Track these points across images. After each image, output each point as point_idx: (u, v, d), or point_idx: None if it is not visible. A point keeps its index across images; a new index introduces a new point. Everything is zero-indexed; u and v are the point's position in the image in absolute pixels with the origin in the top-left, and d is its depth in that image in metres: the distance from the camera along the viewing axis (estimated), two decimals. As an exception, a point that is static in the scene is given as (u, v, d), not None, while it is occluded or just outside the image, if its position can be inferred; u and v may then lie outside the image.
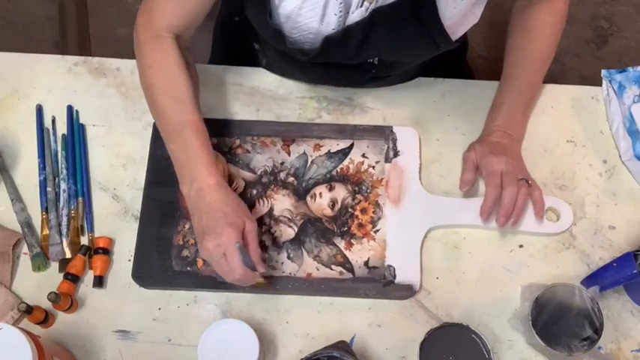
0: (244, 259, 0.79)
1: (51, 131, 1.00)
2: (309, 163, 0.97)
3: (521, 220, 0.92)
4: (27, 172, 0.97)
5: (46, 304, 0.85)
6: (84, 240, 0.92)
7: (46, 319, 0.86)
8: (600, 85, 1.05)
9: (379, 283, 0.89)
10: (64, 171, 0.96)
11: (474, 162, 0.93)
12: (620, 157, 1.00)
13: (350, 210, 0.94)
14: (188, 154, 0.84)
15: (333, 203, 0.95)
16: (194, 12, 0.89)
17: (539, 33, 0.98)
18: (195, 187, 0.83)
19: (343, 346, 0.81)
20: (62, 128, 1.00)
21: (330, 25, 0.85)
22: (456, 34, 0.88)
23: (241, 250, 0.79)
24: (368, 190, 0.95)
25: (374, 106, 1.03)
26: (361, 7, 0.84)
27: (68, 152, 0.98)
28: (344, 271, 0.90)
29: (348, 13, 0.84)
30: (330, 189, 0.95)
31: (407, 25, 0.85)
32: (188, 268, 0.90)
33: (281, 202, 0.95)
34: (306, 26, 0.86)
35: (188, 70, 0.89)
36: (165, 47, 0.88)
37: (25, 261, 0.91)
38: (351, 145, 0.98)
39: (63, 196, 0.94)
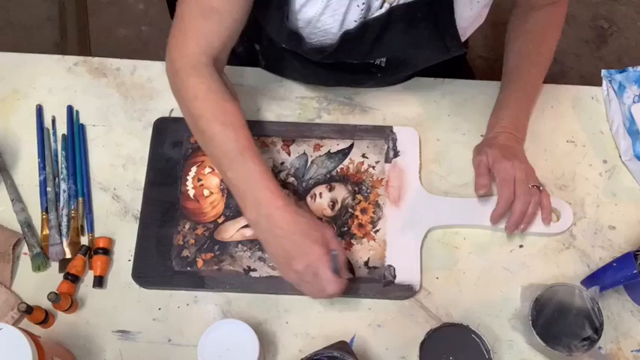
0: (335, 269, 0.79)
1: (51, 131, 1.00)
2: (309, 163, 0.97)
3: (529, 227, 0.92)
4: (27, 172, 0.97)
5: (46, 304, 0.85)
6: (84, 240, 0.92)
7: (46, 319, 0.86)
8: (600, 85, 1.05)
9: (379, 283, 0.89)
10: (64, 171, 0.96)
11: (486, 166, 0.93)
12: (620, 157, 1.00)
13: (350, 210, 0.94)
14: (248, 181, 0.82)
15: (333, 203, 0.95)
16: (232, 28, 0.85)
17: (544, 37, 1.00)
18: (263, 214, 0.81)
19: (343, 346, 0.81)
20: (62, 128, 1.00)
21: (349, 28, 0.86)
22: (464, 36, 0.89)
23: (334, 259, 0.79)
24: (368, 190, 0.95)
25: (374, 106, 1.03)
26: (381, 8, 0.84)
27: (68, 152, 0.98)
28: (344, 271, 0.90)
29: (366, 17, 0.85)
30: (330, 189, 0.95)
31: (422, 25, 0.86)
32: (188, 268, 0.90)
33: (281, 202, 0.94)
34: (325, 31, 0.86)
35: (231, 93, 0.87)
36: (206, 74, 0.84)
37: (25, 261, 0.91)
38: (351, 145, 0.98)
39: (63, 196, 0.94)
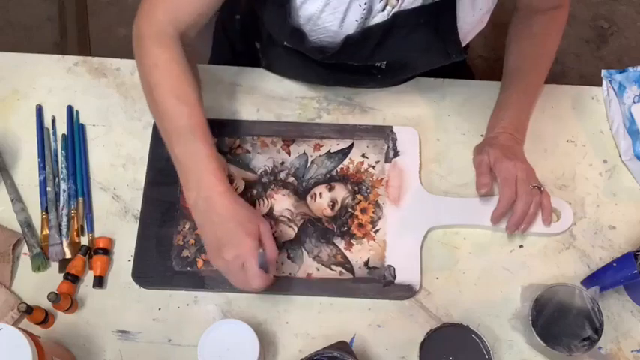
0: (262, 264, 0.79)
1: (51, 131, 1.00)
2: (309, 163, 0.97)
3: (530, 227, 0.92)
4: (27, 172, 0.97)
5: (46, 304, 0.85)
6: (84, 240, 0.92)
7: (46, 319, 0.86)
8: (600, 85, 1.05)
9: (379, 283, 0.89)
10: (64, 171, 0.96)
11: (488, 165, 0.93)
12: (620, 157, 1.00)
13: (350, 210, 0.94)
14: (194, 160, 0.81)
15: (333, 203, 0.95)
16: (204, 6, 0.85)
17: (545, 40, 1.00)
18: (203, 196, 0.80)
19: (343, 346, 0.81)
20: (62, 128, 1.00)
21: (350, 29, 0.86)
22: (465, 41, 0.90)
23: (261, 256, 0.79)
24: (368, 190, 0.95)
25: (374, 106, 1.03)
26: (383, 11, 0.84)
27: (68, 152, 0.98)
28: (344, 271, 0.90)
29: (367, 18, 0.85)
30: (330, 189, 0.95)
31: (424, 30, 0.86)
32: (188, 268, 0.90)
33: (281, 203, 0.95)
34: (325, 29, 0.86)
35: (192, 70, 0.86)
36: (170, 45, 0.84)
37: (25, 261, 0.91)
38: (351, 145, 0.98)
39: (63, 196, 0.94)
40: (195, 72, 0.89)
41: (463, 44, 0.89)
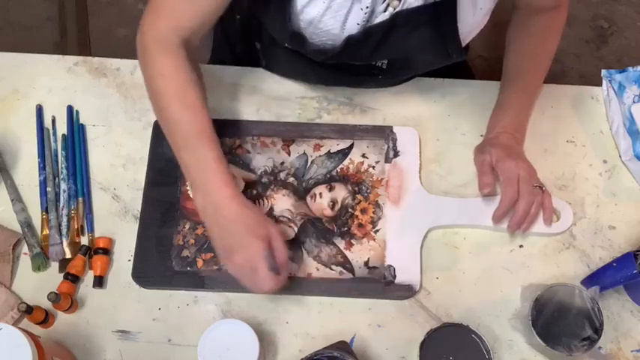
0: (271, 267, 0.79)
1: (51, 131, 1.00)
2: (309, 163, 0.97)
3: (531, 227, 0.92)
4: (27, 172, 0.97)
5: (46, 304, 0.85)
6: (84, 240, 0.92)
7: (46, 319, 0.86)
8: (600, 85, 1.05)
9: (379, 283, 0.89)
10: (64, 171, 0.96)
11: (490, 165, 0.93)
12: (620, 157, 1.00)
13: (350, 210, 0.94)
14: (201, 165, 0.82)
15: (333, 203, 0.95)
16: (206, 13, 0.85)
17: (544, 40, 1.00)
18: (211, 201, 0.81)
19: (343, 346, 0.81)
20: (62, 128, 1.00)
21: (351, 31, 0.86)
22: (465, 41, 0.90)
23: (268, 258, 0.79)
24: (368, 190, 0.95)
25: (374, 106, 1.03)
26: (384, 12, 0.84)
27: (68, 152, 0.98)
28: (344, 271, 0.90)
29: (369, 20, 0.85)
30: (330, 189, 0.95)
31: (424, 30, 0.86)
32: (188, 268, 0.90)
33: (281, 202, 0.95)
34: (326, 32, 0.86)
35: (197, 76, 0.87)
36: (175, 53, 0.84)
37: (25, 261, 0.91)
38: (351, 145, 0.98)
39: (63, 196, 0.94)
40: (200, 77, 0.89)
41: (463, 44, 0.89)
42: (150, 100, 0.87)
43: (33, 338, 0.72)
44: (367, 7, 0.83)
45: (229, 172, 0.83)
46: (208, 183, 0.81)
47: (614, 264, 0.86)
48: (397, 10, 0.84)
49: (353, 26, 0.85)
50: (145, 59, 0.86)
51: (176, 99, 0.83)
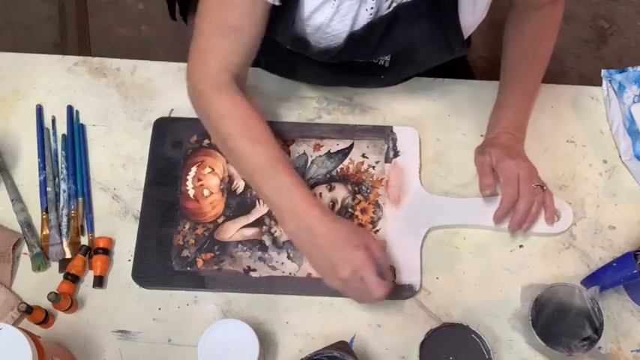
0: (379, 272, 0.80)
1: (51, 131, 1.00)
2: (309, 163, 0.97)
3: (532, 226, 0.92)
4: (27, 172, 0.97)
5: (46, 304, 0.85)
6: (84, 240, 0.92)
7: (46, 319, 0.86)
8: (600, 85, 1.05)
9: (379, 283, 0.89)
10: (64, 171, 0.96)
11: (490, 166, 0.93)
12: (620, 157, 1.00)
13: (350, 210, 0.94)
14: (285, 194, 0.82)
15: (333, 203, 0.95)
16: (250, 45, 0.85)
17: (542, 37, 1.00)
18: (303, 226, 0.81)
19: (343, 346, 0.81)
20: (62, 128, 1.00)
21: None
22: (467, 34, 0.90)
23: (378, 266, 0.79)
24: (368, 190, 0.95)
25: (374, 106, 1.03)
26: (389, 9, 0.85)
27: (68, 152, 0.98)
28: (344, 271, 0.90)
29: (374, 19, 0.85)
30: (330, 189, 0.95)
31: (426, 22, 0.86)
32: (188, 268, 0.90)
33: (281, 202, 0.94)
34: (335, 36, 0.86)
35: (255, 107, 0.87)
36: (230, 91, 0.85)
37: (25, 261, 0.91)
38: (351, 145, 0.98)
39: (63, 196, 0.94)
40: (255, 107, 0.88)
41: (465, 37, 0.89)
42: (216, 143, 0.88)
43: (33, 338, 0.72)
44: (372, 8, 0.83)
45: (312, 194, 0.83)
46: (295, 209, 0.81)
47: (614, 264, 0.86)
48: (399, 2, 0.84)
49: (360, 27, 0.86)
50: (202, 105, 0.86)
51: (243, 137, 0.84)
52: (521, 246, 0.94)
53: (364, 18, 0.85)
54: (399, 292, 0.89)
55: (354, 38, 0.87)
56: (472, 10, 0.87)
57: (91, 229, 0.93)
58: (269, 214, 0.93)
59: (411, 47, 0.91)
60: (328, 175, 0.96)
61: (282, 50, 0.96)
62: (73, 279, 0.88)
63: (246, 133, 0.84)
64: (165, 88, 1.03)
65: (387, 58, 0.96)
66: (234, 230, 0.92)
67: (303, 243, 0.83)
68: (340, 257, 0.80)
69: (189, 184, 0.95)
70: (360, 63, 0.96)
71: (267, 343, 0.86)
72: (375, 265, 0.80)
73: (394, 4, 0.85)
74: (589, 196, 0.97)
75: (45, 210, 0.93)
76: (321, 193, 0.95)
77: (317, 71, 0.98)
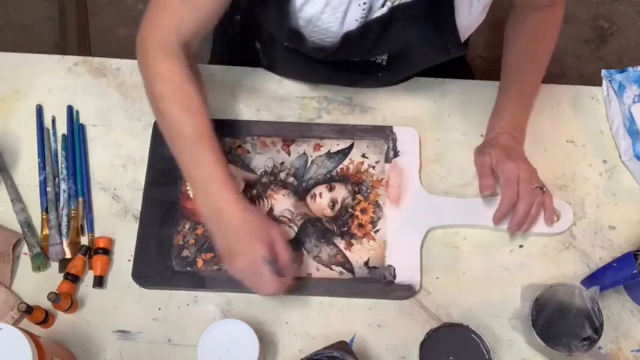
0: (274, 269, 0.80)
1: (51, 131, 1.00)
2: (309, 163, 0.97)
3: (532, 227, 0.92)
4: (27, 172, 0.97)
5: (46, 304, 0.85)
6: (84, 240, 0.92)
7: (46, 319, 0.86)
8: (600, 85, 1.05)
9: (379, 283, 0.89)
10: (64, 171, 0.96)
11: (490, 166, 0.93)
12: (620, 157, 1.00)
13: (350, 210, 0.94)
14: (202, 169, 0.81)
15: (333, 203, 0.95)
16: (206, 16, 0.85)
17: (542, 38, 1.00)
18: (212, 205, 0.81)
19: (343, 346, 0.81)
20: (62, 128, 1.00)
21: (350, 28, 0.86)
22: (464, 36, 0.90)
23: (269, 263, 0.79)
24: (368, 190, 0.95)
25: (374, 106, 1.03)
26: (382, 7, 0.85)
27: (68, 152, 0.98)
28: (344, 271, 0.90)
29: (367, 17, 0.85)
30: (330, 189, 0.95)
31: (422, 24, 0.86)
32: (188, 268, 0.90)
33: (281, 203, 0.95)
34: (326, 30, 0.86)
35: (197, 79, 0.87)
36: (174, 56, 0.84)
37: (25, 261, 0.91)
38: (351, 145, 0.98)
39: (63, 196, 0.94)
40: (200, 80, 0.89)
41: (462, 39, 0.89)
42: (149, 103, 0.86)
43: (33, 338, 0.72)
44: (365, 3, 0.83)
45: (230, 176, 0.82)
46: (209, 187, 0.81)
47: (614, 264, 0.86)
48: (395, 4, 0.84)
49: (352, 23, 0.85)
50: (145, 62, 0.86)
51: (175, 103, 0.83)
52: (521, 246, 0.94)
53: (357, 13, 0.84)
54: (399, 292, 0.89)
55: (350, 38, 0.87)
56: (468, 12, 0.87)
57: (91, 229, 0.93)
58: (269, 214, 0.93)
59: (408, 48, 0.92)
60: (328, 175, 0.97)
61: (282, 49, 0.96)
62: (73, 279, 0.88)
63: (179, 99, 0.83)
64: (165, 88, 1.03)
65: (385, 56, 0.96)
66: (234, 230, 0.92)
67: (210, 222, 0.82)
68: (240, 247, 0.80)
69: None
70: (358, 61, 0.96)
71: (267, 343, 0.86)
72: (276, 260, 0.80)
73: (388, 3, 0.85)
74: (589, 196, 0.97)
75: (45, 210, 0.93)
76: (321, 193, 0.95)
77: (316, 70, 0.98)
